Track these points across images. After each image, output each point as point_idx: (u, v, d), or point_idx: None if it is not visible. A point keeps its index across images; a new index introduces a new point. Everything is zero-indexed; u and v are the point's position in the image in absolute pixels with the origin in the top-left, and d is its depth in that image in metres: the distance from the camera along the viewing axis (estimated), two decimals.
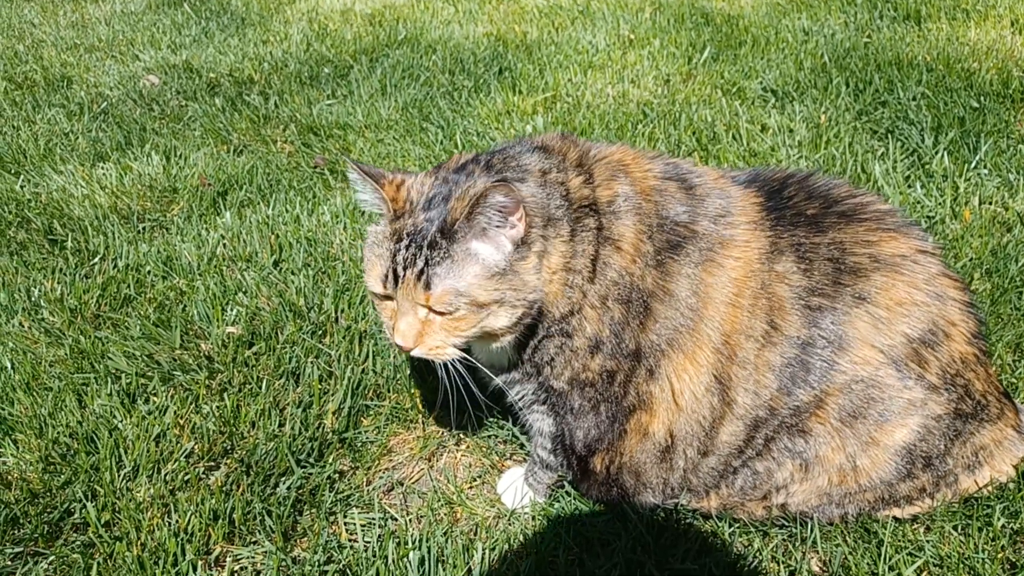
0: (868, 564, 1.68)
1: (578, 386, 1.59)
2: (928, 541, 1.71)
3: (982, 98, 3.59)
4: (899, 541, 1.72)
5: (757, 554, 1.73)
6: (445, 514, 1.93)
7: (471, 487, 2.03)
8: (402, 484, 2.04)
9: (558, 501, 1.91)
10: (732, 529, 1.78)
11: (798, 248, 1.50)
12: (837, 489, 1.59)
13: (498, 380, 1.68)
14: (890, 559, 1.67)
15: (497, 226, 1.39)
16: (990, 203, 2.89)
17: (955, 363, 1.49)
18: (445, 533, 1.83)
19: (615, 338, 1.51)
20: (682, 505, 1.78)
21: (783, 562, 1.72)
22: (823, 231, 1.51)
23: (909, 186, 3.03)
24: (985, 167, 3.09)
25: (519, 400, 1.74)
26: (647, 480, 1.69)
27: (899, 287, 1.46)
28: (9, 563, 1.80)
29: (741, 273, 1.50)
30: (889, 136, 3.41)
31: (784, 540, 1.76)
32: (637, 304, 1.50)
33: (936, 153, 3.19)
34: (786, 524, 1.75)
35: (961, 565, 1.66)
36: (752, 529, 1.78)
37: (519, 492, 1.94)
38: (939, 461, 1.57)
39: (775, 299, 1.48)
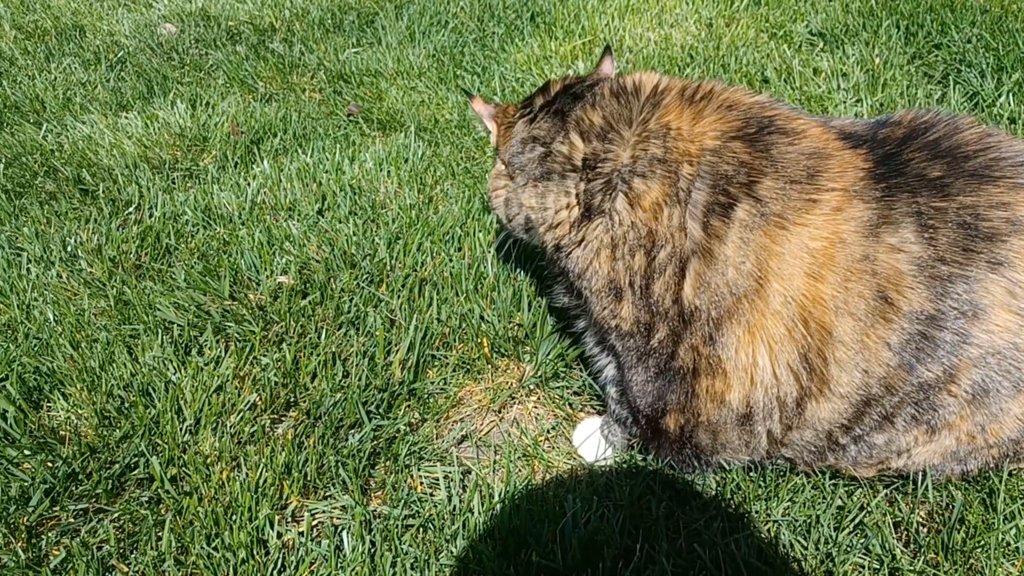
0: (981, 514, 1.60)
1: (617, 334, 1.59)
2: None
3: None
4: (1012, 491, 1.63)
5: (862, 507, 1.65)
6: (523, 467, 1.85)
7: (545, 439, 1.94)
8: (473, 436, 1.95)
9: (641, 453, 1.82)
10: (834, 481, 1.70)
11: (919, 217, 1.35)
12: (964, 448, 1.50)
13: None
14: (1006, 509, 1.59)
15: None
16: None
17: None
18: (528, 486, 1.75)
19: (639, 290, 1.50)
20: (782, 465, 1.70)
21: (889, 512, 1.64)
22: (949, 196, 1.35)
23: None
24: None
25: (585, 336, 1.80)
26: (726, 440, 1.59)
27: None
28: (73, 520, 1.71)
29: (824, 244, 1.36)
30: (947, 79, 3.28)
31: (890, 492, 1.67)
32: (666, 261, 1.45)
33: (999, 96, 3.06)
34: (895, 479, 1.67)
35: None
36: (856, 481, 1.69)
37: (599, 445, 1.85)
38: None
39: (887, 273, 1.35)
